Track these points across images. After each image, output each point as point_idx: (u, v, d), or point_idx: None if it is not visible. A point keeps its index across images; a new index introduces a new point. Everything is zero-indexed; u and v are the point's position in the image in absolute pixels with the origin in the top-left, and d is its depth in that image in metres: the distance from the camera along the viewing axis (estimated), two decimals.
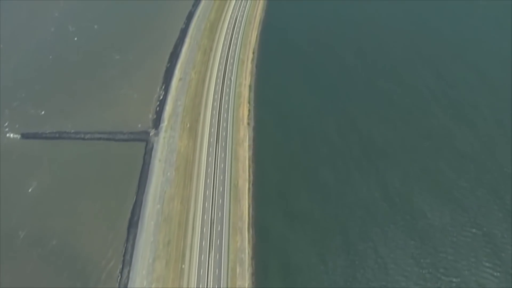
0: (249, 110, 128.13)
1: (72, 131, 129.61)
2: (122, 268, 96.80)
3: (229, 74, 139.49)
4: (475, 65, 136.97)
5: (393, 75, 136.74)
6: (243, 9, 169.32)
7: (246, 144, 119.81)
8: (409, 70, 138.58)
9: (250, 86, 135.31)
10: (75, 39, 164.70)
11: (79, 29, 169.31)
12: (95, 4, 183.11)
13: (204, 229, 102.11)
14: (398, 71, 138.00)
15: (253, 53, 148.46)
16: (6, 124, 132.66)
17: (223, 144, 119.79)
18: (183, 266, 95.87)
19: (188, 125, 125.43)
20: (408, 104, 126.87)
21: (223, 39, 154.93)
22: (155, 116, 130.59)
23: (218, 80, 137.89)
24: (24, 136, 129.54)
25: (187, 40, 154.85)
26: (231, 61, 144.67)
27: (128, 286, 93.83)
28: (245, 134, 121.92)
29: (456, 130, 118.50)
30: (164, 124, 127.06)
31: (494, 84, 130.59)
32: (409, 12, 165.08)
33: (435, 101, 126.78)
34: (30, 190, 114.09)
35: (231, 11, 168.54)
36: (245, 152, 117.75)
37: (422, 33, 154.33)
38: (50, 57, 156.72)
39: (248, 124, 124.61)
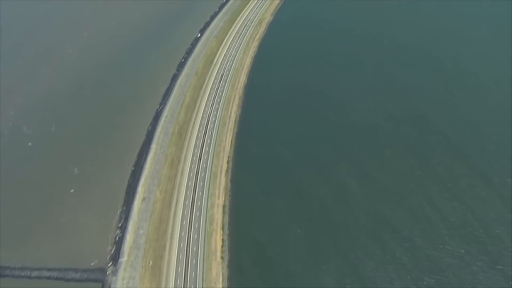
0: (222, 240, 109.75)
1: (17, 266, 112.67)
2: None
3: (200, 193, 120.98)
4: (482, 174, 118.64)
5: (394, 197, 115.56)
6: (217, 106, 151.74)
7: (220, 287, 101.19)
8: (412, 188, 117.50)
9: (224, 207, 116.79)
10: (29, 144, 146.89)
11: (34, 131, 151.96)
12: (53, 101, 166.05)
13: None
14: (400, 192, 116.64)
15: (228, 162, 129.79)
16: None
17: None
18: None
19: (150, 263, 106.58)
20: (416, 235, 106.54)
21: (193, 146, 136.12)
22: (113, 248, 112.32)
23: (187, 202, 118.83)
24: None
25: (153, 147, 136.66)
26: (202, 175, 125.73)
27: None
28: (218, 273, 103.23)
29: (471, 261, 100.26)
30: (124, 259, 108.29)
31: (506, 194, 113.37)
32: (412, 116, 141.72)
33: (444, 226, 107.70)
34: None
35: (202, 110, 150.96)
36: None
37: (424, 143, 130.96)
38: None
39: (222, 258, 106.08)
